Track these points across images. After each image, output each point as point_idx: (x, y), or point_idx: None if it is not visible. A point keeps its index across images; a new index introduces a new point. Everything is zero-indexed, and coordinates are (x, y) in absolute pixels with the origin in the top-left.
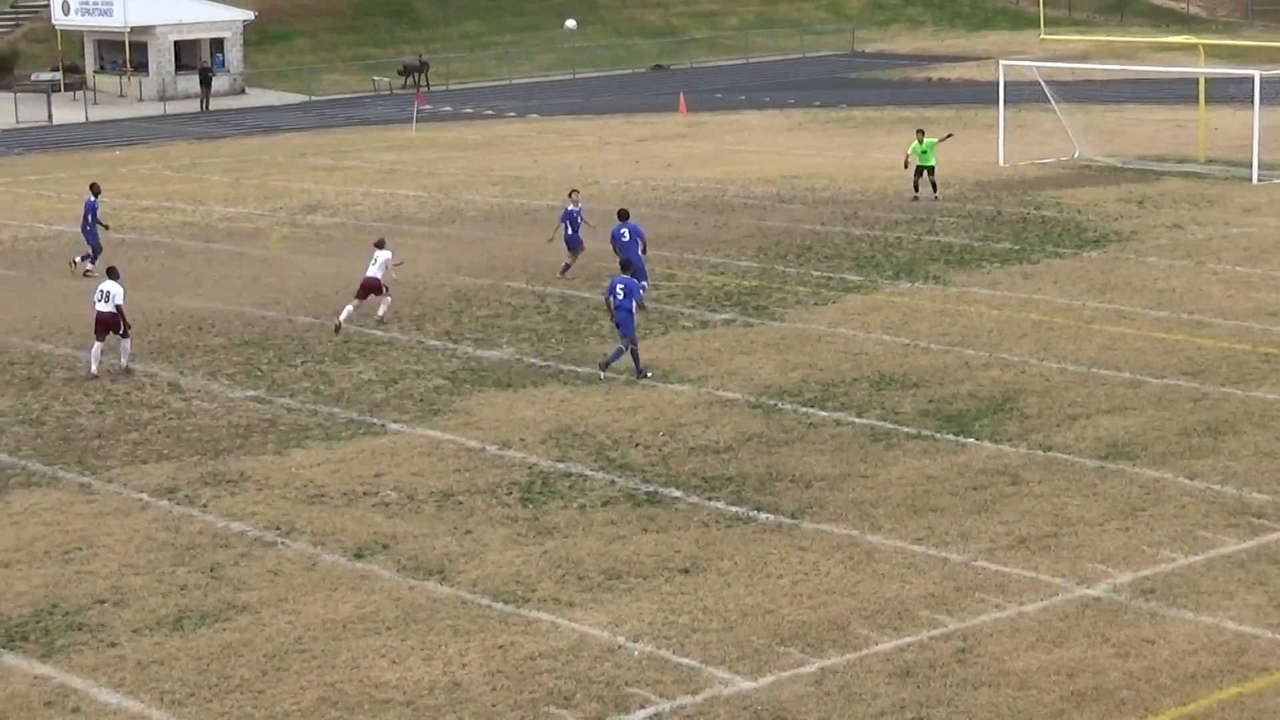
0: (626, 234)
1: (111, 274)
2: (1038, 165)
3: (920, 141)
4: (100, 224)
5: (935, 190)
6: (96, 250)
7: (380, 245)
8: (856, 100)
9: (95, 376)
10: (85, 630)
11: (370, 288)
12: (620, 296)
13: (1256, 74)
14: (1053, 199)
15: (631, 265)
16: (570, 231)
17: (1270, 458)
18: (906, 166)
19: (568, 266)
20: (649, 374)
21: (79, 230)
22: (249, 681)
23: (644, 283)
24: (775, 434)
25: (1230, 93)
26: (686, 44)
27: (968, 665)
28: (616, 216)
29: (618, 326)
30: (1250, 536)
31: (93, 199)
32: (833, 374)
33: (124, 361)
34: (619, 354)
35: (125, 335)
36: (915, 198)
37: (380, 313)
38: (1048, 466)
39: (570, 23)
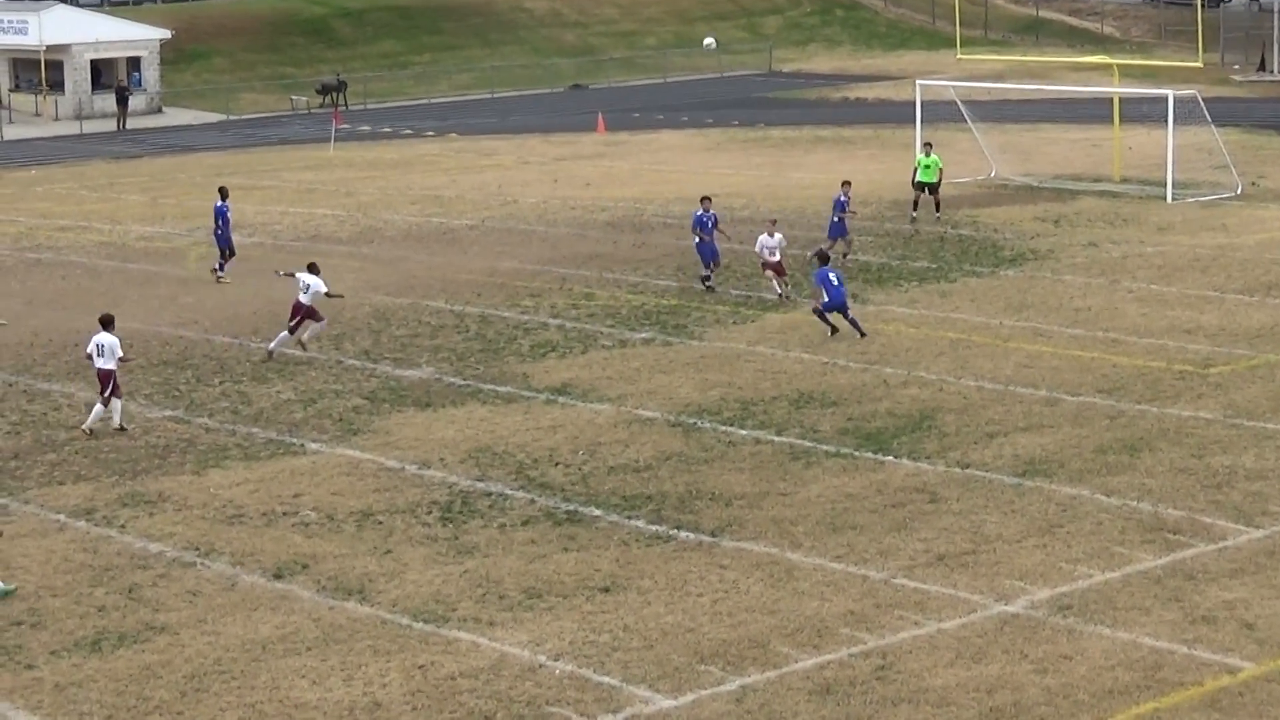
0: (709, 222)
1: (312, 269)
2: (954, 184)
3: (926, 156)
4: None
5: (938, 209)
6: (226, 253)
7: (774, 224)
8: (774, 120)
9: (270, 356)
10: (2, 652)
11: (774, 267)
12: (835, 283)
13: (1170, 94)
14: (969, 218)
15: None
16: (836, 219)
17: (1185, 474)
18: (915, 184)
19: (844, 254)
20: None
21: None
22: (168, 703)
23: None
24: (695, 452)
25: (1144, 112)
26: (604, 63)
27: (887, 682)
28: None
29: (828, 304)
30: (1166, 553)
31: (222, 203)
32: (752, 392)
33: (305, 337)
34: (853, 321)
35: (319, 319)
36: (913, 218)
37: (779, 292)
38: (966, 484)
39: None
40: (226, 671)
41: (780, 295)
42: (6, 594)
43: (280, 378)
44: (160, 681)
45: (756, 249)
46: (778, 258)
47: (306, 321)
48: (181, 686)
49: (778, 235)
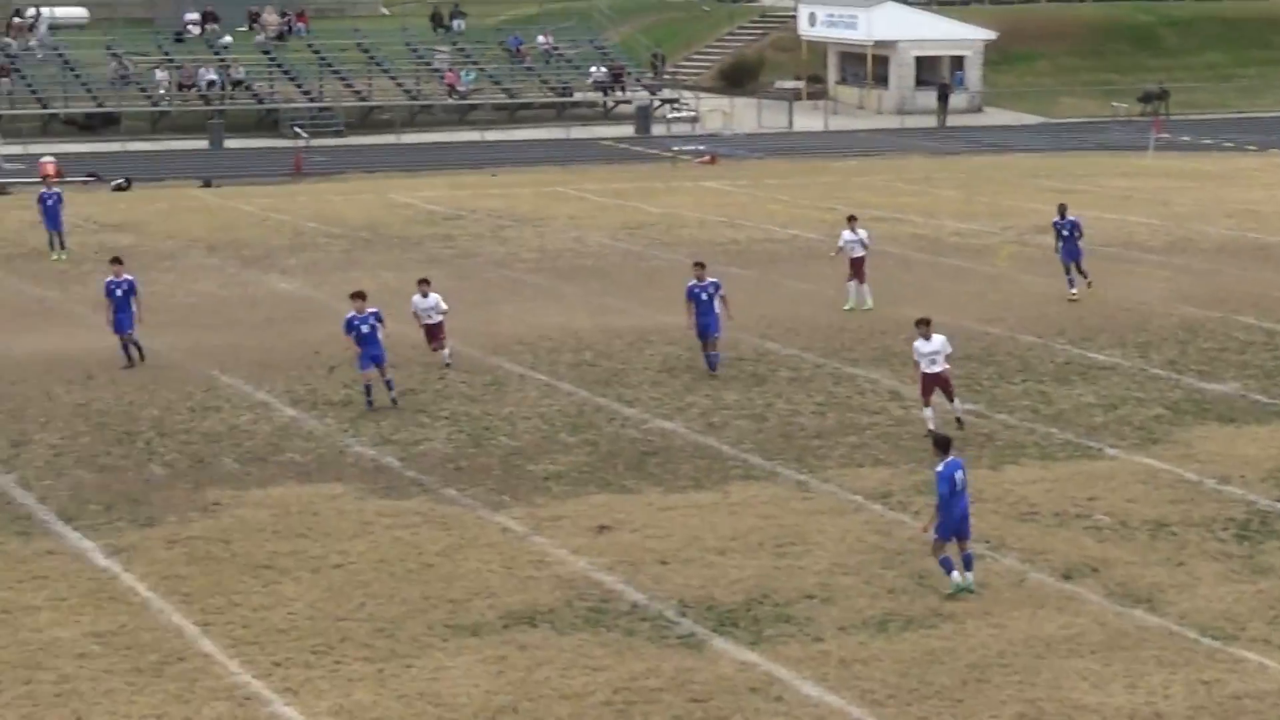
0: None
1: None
2: None
3: None
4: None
5: None
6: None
7: None
8: None
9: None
10: (793, 623)
11: None
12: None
13: None
14: None
15: None
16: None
17: None
18: None
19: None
20: None
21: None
22: (948, 689)
23: None
24: None
25: None
26: None
27: None
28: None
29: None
30: None
31: (1061, 219)
32: None
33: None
34: None
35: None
36: None
37: None
38: None
39: None
40: (1008, 665)
41: None
42: (963, 590)
43: (1083, 381)
44: (943, 667)
45: None
46: None
47: None
48: (963, 675)
49: None
